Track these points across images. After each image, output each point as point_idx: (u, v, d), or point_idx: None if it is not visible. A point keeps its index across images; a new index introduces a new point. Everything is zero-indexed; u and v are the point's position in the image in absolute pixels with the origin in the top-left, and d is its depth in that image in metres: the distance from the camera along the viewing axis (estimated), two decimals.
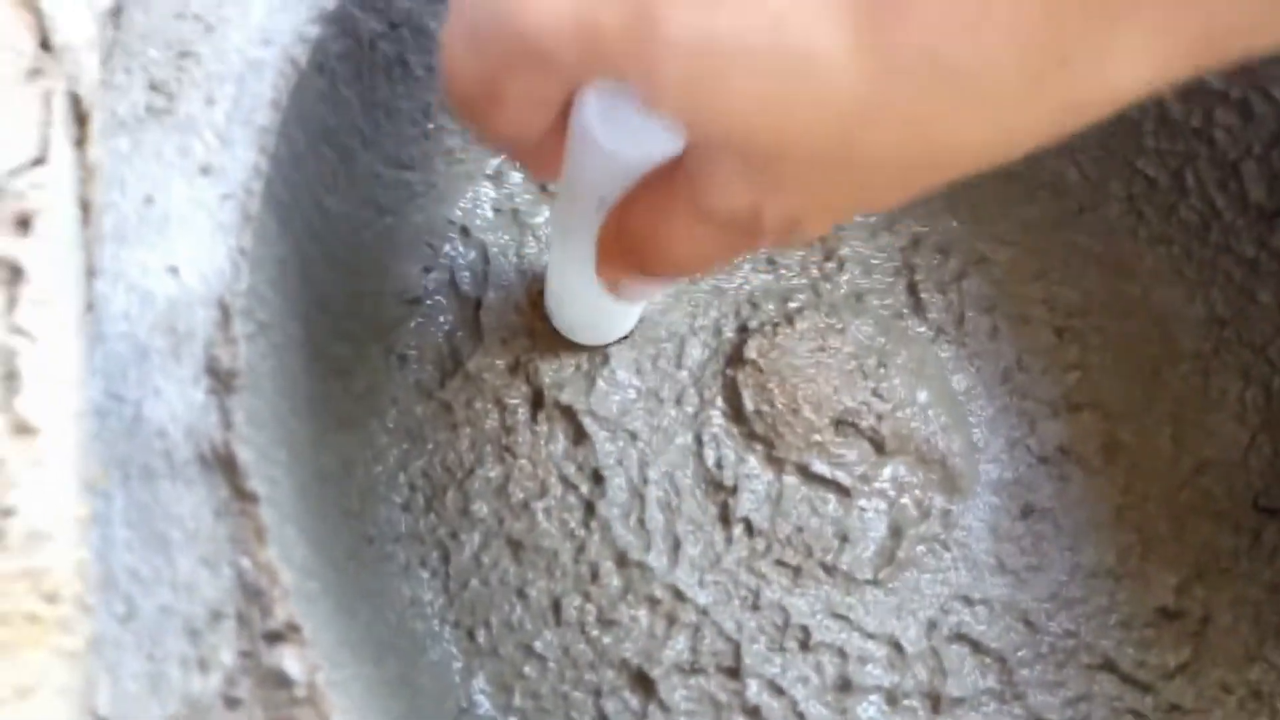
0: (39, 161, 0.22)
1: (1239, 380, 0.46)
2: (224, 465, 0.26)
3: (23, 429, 0.19)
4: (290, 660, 0.24)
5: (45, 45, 0.23)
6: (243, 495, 0.26)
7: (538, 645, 0.41)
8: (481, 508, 0.42)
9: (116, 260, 0.28)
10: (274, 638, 0.25)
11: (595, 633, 0.41)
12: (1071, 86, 0.21)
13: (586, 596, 0.41)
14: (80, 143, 0.23)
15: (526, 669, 0.40)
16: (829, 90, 0.20)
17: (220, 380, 0.27)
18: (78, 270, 0.23)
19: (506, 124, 0.25)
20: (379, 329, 0.42)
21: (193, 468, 0.26)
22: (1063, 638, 0.43)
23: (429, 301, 0.44)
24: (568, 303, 0.40)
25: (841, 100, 0.20)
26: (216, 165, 0.29)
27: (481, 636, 0.40)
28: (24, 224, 0.20)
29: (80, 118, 0.23)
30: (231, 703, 0.24)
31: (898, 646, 0.42)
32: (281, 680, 0.24)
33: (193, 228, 0.28)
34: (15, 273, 0.20)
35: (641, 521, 0.43)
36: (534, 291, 0.45)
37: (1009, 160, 0.22)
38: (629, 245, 0.28)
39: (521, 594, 0.41)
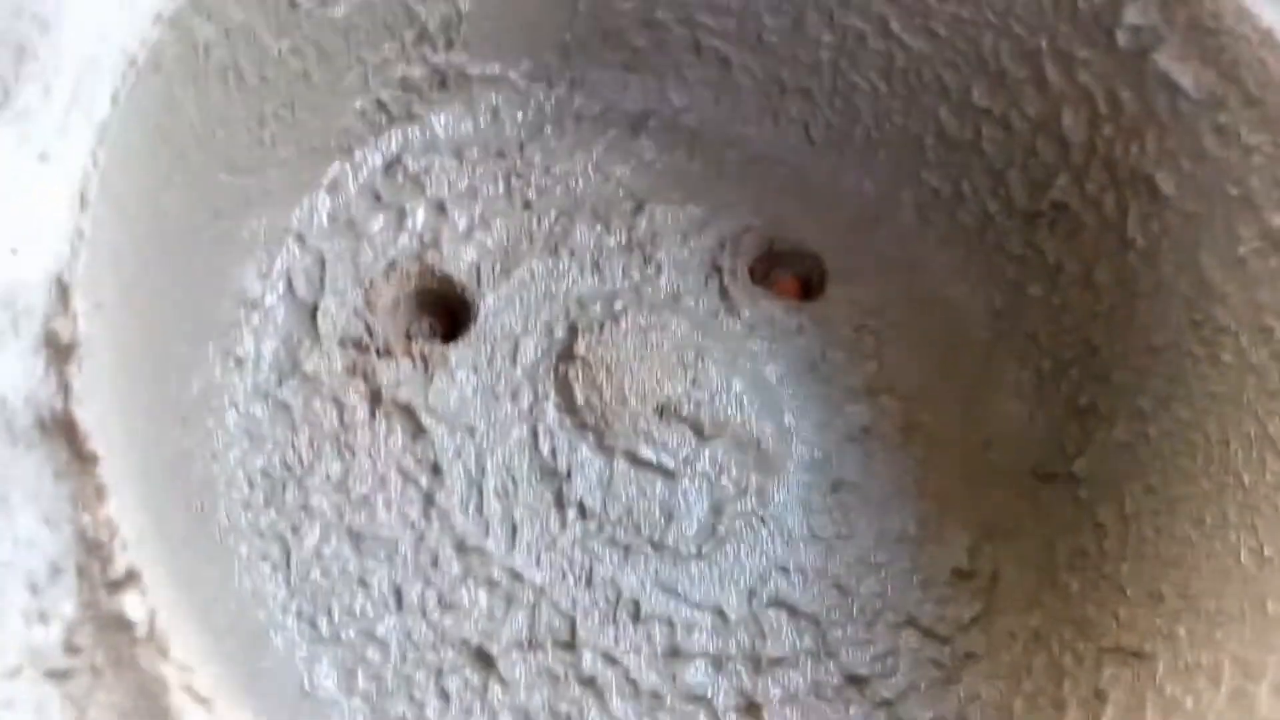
0: None
1: (1016, 364, 0.52)
2: (64, 429, 0.27)
3: None
4: (131, 604, 0.25)
5: None
6: (82, 456, 0.27)
7: (379, 630, 0.42)
8: (321, 502, 0.43)
9: None
10: (114, 586, 0.26)
11: (436, 616, 0.43)
12: None
13: (427, 582, 0.43)
14: None
15: (369, 653, 0.42)
16: None
17: (58, 351, 0.28)
18: None
19: None
20: (216, 330, 0.43)
21: (33, 432, 0.27)
22: (871, 599, 0.47)
23: (266, 304, 0.45)
24: None
25: None
26: (54, 153, 0.30)
27: (324, 625, 0.42)
28: None
29: None
30: (73, 650, 0.25)
31: (721, 614, 0.45)
32: (122, 624, 0.26)
33: (31, 213, 0.30)
34: None
35: (480, 509, 0.45)
36: (372, 297, 0.47)
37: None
38: None
39: (363, 583, 0.43)
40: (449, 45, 0.49)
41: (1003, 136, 0.51)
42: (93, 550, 0.26)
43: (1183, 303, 0.45)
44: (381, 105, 0.49)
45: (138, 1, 0.33)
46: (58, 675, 0.25)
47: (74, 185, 0.30)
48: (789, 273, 0.54)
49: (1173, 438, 0.45)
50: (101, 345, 0.30)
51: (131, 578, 0.26)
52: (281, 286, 0.46)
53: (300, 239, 0.47)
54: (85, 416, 0.27)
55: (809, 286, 0.54)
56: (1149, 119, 0.45)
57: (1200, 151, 0.43)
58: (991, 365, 0.53)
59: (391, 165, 0.50)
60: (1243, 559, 0.40)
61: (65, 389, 0.27)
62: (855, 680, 0.46)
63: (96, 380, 0.29)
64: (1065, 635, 0.46)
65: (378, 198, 0.49)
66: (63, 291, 0.29)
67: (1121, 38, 0.44)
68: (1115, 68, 0.45)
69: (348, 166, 0.49)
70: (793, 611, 0.46)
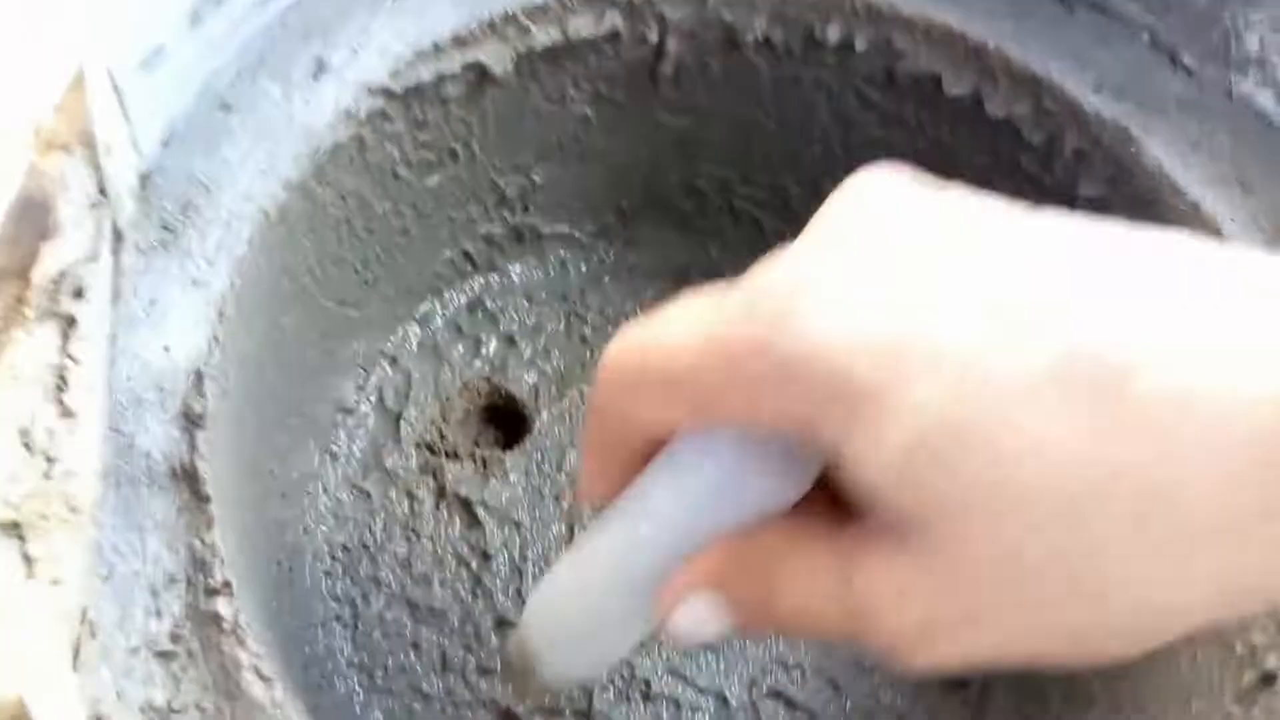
0: (91, 258, 0.34)
1: None
2: (188, 477, 0.37)
3: (67, 414, 0.30)
4: (223, 604, 0.34)
5: (102, 191, 0.35)
6: (199, 497, 0.36)
7: (425, 686, 0.50)
8: (388, 575, 0.52)
9: (126, 341, 0.39)
10: (212, 592, 0.35)
11: (474, 678, 0.50)
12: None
13: (469, 650, 0.51)
14: (116, 252, 0.35)
15: (415, 705, 0.49)
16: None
17: (191, 421, 0.38)
18: (108, 333, 0.35)
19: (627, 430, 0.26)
20: (316, 428, 0.53)
21: (165, 479, 0.37)
22: (864, 699, 0.52)
23: (359, 411, 0.55)
24: (573, 616, 0.31)
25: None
26: (203, 279, 0.41)
27: (380, 677, 0.50)
28: (79, 293, 0.32)
29: (118, 236, 0.35)
30: (176, 638, 0.34)
31: (723, 700, 0.51)
32: (215, 619, 0.34)
33: (182, 321, 0.40)
34: (71, 321, 0.32)
35: (519, 591, 0.53)
36: (447, 410, 0.57)
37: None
38: (746, 586, 0.25)
39: (416, 645, 0.51)
40: (525, 209, 0.60)
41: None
42: (199, 566, 0.35)
43: None
44: (467, 255, 0.60)
45: (275, 172, 0.44)
46: (163, 656, 0.34)
47: (215, 303, 0.41)
48: None
49: None
50: (223, 422, 0.40)
51: (225, 586, 0.34)
52: (374, 398, 0.56)
53: (393, 360, 0.57)
54: (205, 469, 0.37)
55: None
56: None
57: None
58: None
59: (474, 305, 0.60)
60: (1181, 667, 0.44)
61: (193, 448, 0.37)
62: None
63: (216, 447, 0.39)
64: None
65: (459, 330, 0.59)
66: (199, 379, 0.39)
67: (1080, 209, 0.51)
68: None
69: (437, 304, 0.60)
70: (789, 703, 0.52)
